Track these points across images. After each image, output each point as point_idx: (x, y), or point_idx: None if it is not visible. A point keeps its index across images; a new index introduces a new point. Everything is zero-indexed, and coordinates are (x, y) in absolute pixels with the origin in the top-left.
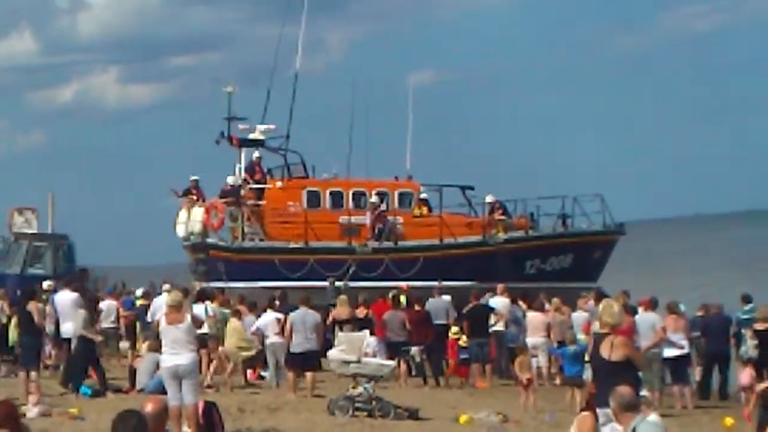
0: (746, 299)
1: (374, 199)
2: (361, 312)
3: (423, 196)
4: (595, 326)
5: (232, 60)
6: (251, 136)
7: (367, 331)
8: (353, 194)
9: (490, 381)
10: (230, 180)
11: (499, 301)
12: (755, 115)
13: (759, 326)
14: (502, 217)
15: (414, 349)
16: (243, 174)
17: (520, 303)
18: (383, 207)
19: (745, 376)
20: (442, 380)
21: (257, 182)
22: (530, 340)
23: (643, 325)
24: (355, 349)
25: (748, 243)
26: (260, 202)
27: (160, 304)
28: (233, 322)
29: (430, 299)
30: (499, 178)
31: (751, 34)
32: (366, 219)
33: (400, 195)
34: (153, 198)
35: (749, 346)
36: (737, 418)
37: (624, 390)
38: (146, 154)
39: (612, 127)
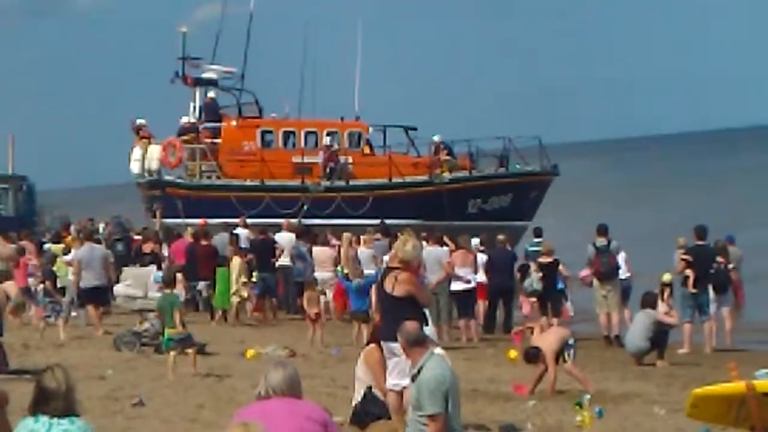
0: (536, 233)
1: (326, 139)
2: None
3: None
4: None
5: None
6: (205, 75)
7: (153, 266)
8: (305, 134)
9: (273, 315)
10: (185, 119)
11: (283, 236)
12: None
13: (543, 259)
14: (447, 158)
15: (201, 284)
16: (197, 113)
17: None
18: (334, 146)
19: (526, 306)
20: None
21: (211, 121)
22: (318, 275)
23: (429, 259)
24: (141, 284)
25: None
26: (216, 141)
27: None
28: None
29: (215, 236)
30: None
31: None
32: (318, 158)
33: (350, 135)
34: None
35: (534, 279)
36: (520, 350)
37: (411, 326)
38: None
39: None
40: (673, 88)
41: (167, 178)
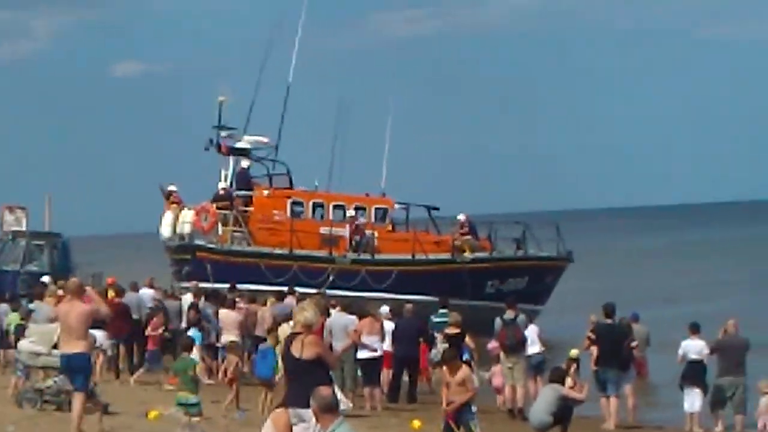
0: (442, 303)
1: (351, 212)
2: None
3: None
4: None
5: None
6: (239, 144)
7: (57, 324)
8: (333, 207)
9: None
10: (221, 186)
11: (189, 298)
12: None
13: (450, 330)
14: (468, 237)
15: (106, 343)
16: (230, 181)
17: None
18: (361, 220)
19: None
20: (136, 375)
21: (242, 189)
22: (224, 338)
23: (337, 326)
24: (46, 341)
25: None
26: (248, 209)
27: None
28: None
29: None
30: None
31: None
32: (345, 231)
33: (376, 210)
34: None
35: (440, 350)
36: (425, 420)
37: (325, 391)
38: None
39: None
40: (598, 163)
41: (198, 242)
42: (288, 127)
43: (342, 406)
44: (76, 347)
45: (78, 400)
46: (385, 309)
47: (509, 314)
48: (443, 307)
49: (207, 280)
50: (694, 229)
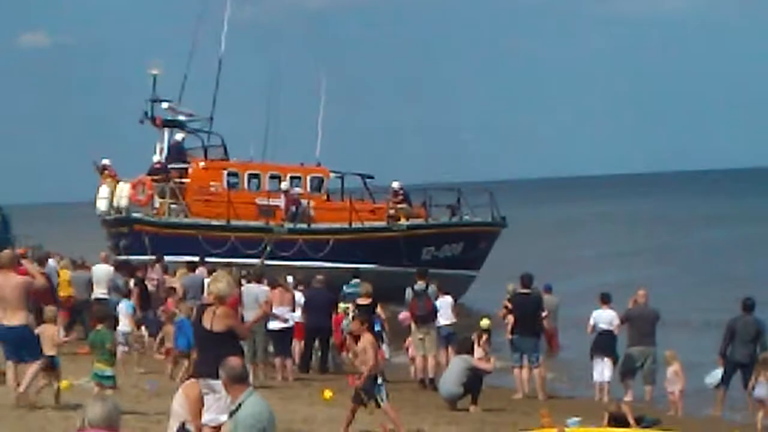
0: (355, 274)
1: (285, 183)
2: None
3: None
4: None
5: None
6: (172, 117)
7: None
8: (269, 177)
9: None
10: (156, 158)
11: (100, 268)
12: None
13: (361, 301)
14: (403, 205)
15: None
16: (166, 154)
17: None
18: (296, 190)
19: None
20: None
21: (177, 162)
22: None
23: (248, 297)
24: None
25: None
26: (184, 181)
27: None
28: None
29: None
30: None
31: None
32: (281, 201)
33: (312, 180)
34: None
35: (350, 320)
36: (335, 390)
37: (235, 362)
38: None
39: None
40: (509, 137)
41: (135, 215)
42: (221, 99)
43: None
44: (14, 319)
45: (30, 368)
46: (290, 279)
47: (420, 285)
48: (355, 277)
49: (145, 253)
50: (602, 201)
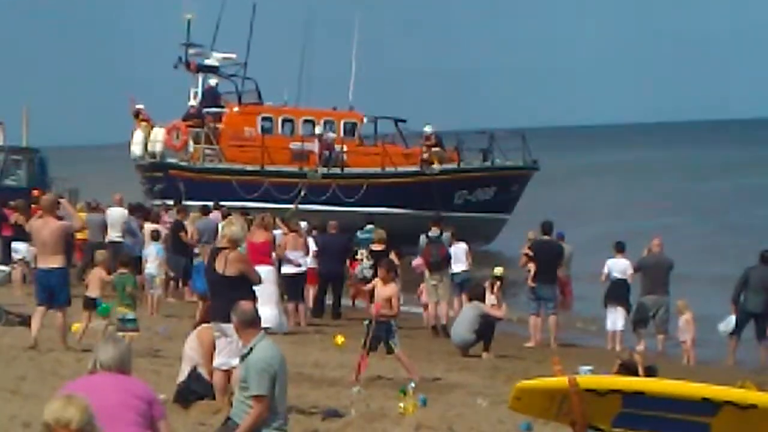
0: (368, 220)
1: (318, 128)
2: None
3: None
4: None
5: None
6: (207, 62)
7: None
8: (303, 122)
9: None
10: (191, 104)
11: (115, 211)
12: None
13: (375, 247)
14: (436, 149)
15: (29, 254)
16: (200, 99)
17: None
18: (330, 135)
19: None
20: None
21: (211, 107)
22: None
23: None
24: None
25: None
26: (218, 126)
27: None
28: None
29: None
30: None
31: None
32: (314, 146)
33: (345, 124)
34: None
35: (364, 266)
36: (348, 336)
37: (246, 306)
38: None
39: None
40: (531, 81)
41: (170, 160)
42: (255, 44)
43: (284, 328)
44: (53, 262)
45: (60, 315)
46: (303, 224)
47: (434, 231)
48: (369, 223)
49: (180, 198)
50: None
